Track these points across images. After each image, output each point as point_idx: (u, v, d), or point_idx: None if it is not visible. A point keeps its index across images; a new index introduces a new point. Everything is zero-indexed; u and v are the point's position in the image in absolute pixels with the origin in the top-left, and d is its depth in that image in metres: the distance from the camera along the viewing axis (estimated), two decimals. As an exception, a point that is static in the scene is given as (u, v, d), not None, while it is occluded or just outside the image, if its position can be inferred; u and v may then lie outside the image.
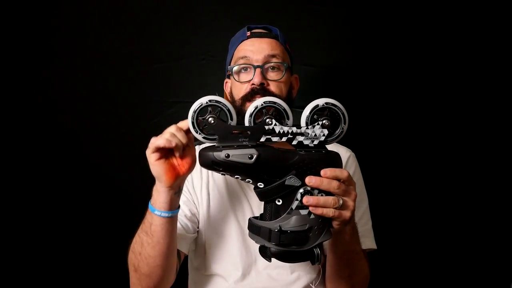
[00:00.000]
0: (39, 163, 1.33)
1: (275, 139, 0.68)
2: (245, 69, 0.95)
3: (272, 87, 0.93)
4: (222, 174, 0.70)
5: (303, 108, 0.71)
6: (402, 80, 1.36)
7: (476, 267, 1.36)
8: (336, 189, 0.66)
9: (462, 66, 1.35)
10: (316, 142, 0.68)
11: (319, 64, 1.35)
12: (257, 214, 0.92)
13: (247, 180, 0.69)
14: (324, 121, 0.68)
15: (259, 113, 0.69)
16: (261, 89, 0.91)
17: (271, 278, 0.92)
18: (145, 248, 0.78)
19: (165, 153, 0.70)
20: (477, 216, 1.36)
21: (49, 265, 1.35)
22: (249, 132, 0.68)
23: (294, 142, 0.69)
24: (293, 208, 0.67)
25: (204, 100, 0.69)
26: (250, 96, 0.92)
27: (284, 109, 0.69)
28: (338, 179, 0.67)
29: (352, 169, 1.02)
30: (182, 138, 0.70)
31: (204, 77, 1.33)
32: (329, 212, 0.66)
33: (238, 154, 0.66)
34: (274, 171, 0.67)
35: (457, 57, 1.35)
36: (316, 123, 0.68)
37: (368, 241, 0.98)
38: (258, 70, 0.92)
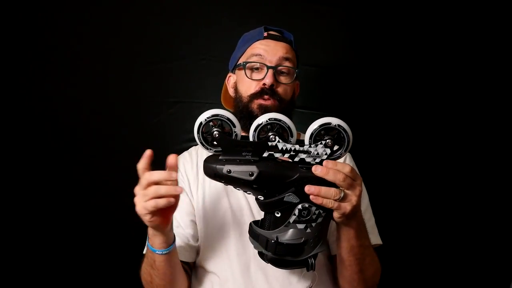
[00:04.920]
0: (38, 163, 1.32)
1: (277, 155, 0.70)
2: (257, 68, 0.97)
3: (280, 89, 0.96)
4: (224, 184, 0.72)
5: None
6: (403, 81, 1.35)
7: (476, 266, 1.36)
8: (341, 181, 0.67)
9: (462, 66, 1.34)
10: (318, 160, 0.70)
11: (318, 64, 1.33)
12: (255, 211, 0.92)
13: (248, 192, 0.72)
14: (328, 141, 0.69)
15: (263, 127, 0.70)
16: (270, 90, 0.94)
17: (268, 276, 0.91)
18: (154, 279, 0.83)
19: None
20: (477, 216, 1.36)
21: (48, 265, 1.34)
22: (252, 147, 0.69)
23: (296, 159, 0.70)
24: (291, 222, 0.69)
25: (202, 118, 0.70)
26: (259, 95, 0.95)
27: (289, 127, 0.70)
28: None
29: None
30: (170, 184, 0.69)
31: (204, 78, 1.33)
32: (329, 203, 0.67)
33: (239, 171, 0.68)
34: (274, 188, 0.69)
35: (456, 57, 1.35)
36: (319, 142, 0.69)
37: (373, 237, 0.96)
38: (271, 71, 0.94)
